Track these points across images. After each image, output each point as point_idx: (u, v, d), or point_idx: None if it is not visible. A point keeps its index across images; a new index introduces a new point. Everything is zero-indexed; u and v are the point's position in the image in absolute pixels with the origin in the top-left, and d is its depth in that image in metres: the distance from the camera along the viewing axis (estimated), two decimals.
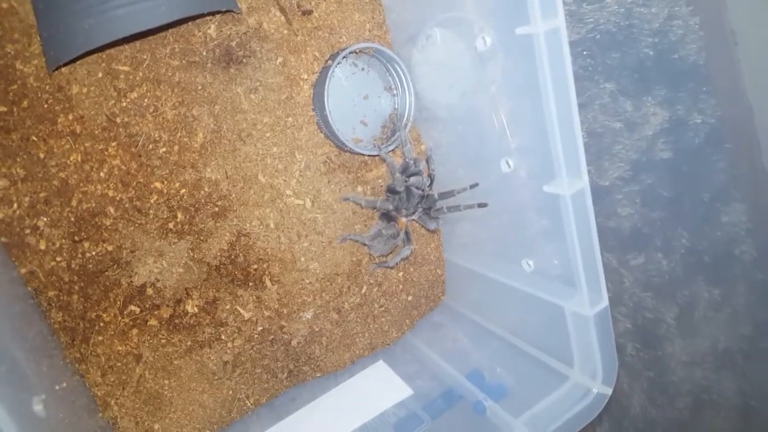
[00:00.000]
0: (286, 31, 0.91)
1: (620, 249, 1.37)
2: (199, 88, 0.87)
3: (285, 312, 0.96)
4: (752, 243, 1.47)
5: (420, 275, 1.08)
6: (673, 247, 1.41)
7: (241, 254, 0.92)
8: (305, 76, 0.93)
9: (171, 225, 0.89)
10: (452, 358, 0.97)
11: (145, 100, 0.85)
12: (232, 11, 0.86)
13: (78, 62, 0.83)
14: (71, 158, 0.84)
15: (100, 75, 0.84)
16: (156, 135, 0.86)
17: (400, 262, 1.01)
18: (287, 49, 0.91)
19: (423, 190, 0.95)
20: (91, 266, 0.86)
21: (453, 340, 1.02)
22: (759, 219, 1.46)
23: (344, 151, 0.97)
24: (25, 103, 0.82)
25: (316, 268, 0.97)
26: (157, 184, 0.87)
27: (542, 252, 0.84)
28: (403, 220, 0.97)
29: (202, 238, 0.90)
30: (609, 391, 0.79)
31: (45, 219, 0.84)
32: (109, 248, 0.87)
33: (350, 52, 0.92)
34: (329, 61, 0.92)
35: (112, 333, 0.88)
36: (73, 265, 0.86)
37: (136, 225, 0.88)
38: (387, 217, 0.96)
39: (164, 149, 0.87)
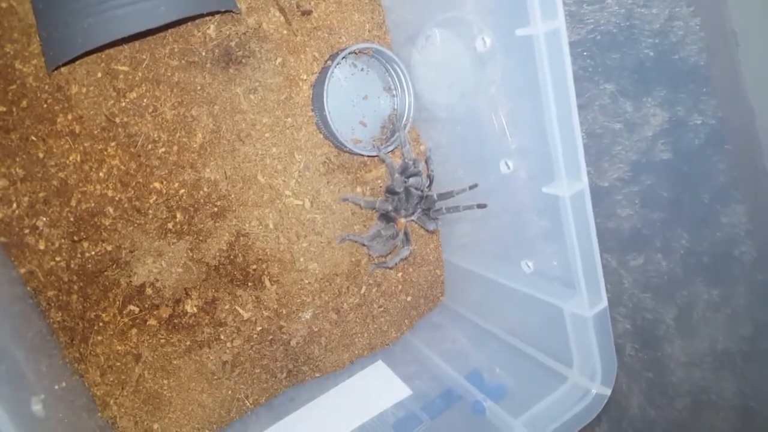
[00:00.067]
0: (285, 32, 0.91)
1: (620, 250, 1.37)
2: (199, 88, 0.87)
3: (284, 312, 0.96)
4: (752, 244, 1.46)
5: (419, 276, 1.08)
6: (673, 248, 1.41)
7: (240, 254, 0.92)
8: (304, 77, 0.92)
9: (170, 225, 0.89)
10: (451, 358, 0.97)
11: (145, 100, 0.85)
12: (231, 11, 0.86)
13: (77, 62, 0.83)
14: (70, 158, 0.84)
15: (99, 75, 0.84)
16: (155, 135, 0.86)
17: (399, 262, 1.01)
18: (286, 50, 0.91)
19: (422, 191, 0.95)
20: (90, 266, 0.86)
21: (452, 341, 1.02)
22: (759, 220, 1.46)
23: (343, 151, 0.97)
24: (24, 103, 0.82)
25: (315, 268, 0.97)
26: (156, 185, 0.87)
27: (541, 253, 0.83)
28: (402, 220, 0.97)
29: (201, 238, 0.90)
30: (608, 392, 0.79)
31: (44, 219, 0.84)
32: (109, 248, 0.87)
33: (350, 53, 0.92)
34: (328, 62, 0.92)
35: (112, 333, 0.89)
36: (72, 265, 0.86)
37: (135, 225, 0.88)
38: (386, 217, 0.96)
39: (163, 149, 0.87)
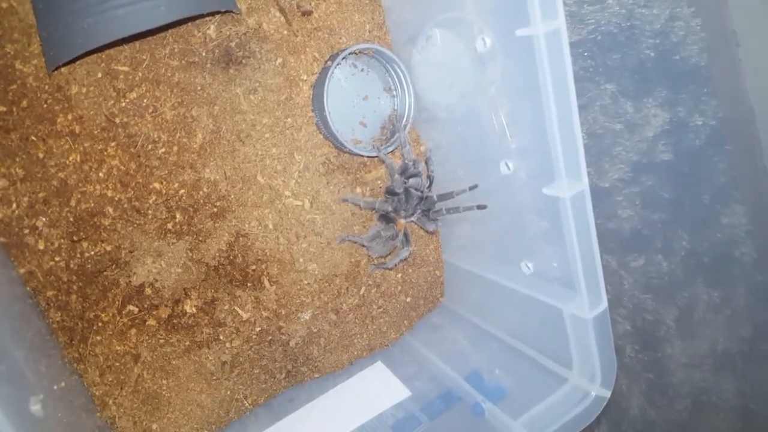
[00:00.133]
0: (285, 32, 0.91)
1: (620, 251, 1.37)
2: (199, 88, 0.87)
3: (283, 313, 0.96)
4: (752, 245, 1.46)
5: (419, 276, 1.08)
6: (673, 248, 1.41)
7: (239, 255, 0.92)
8: (305, 77, 0.92)
9: (170, 225, 0.89)
10: (451, 359, 0.97)
11: (145, 101, 0.85)
12: (231, 12, 0.86)
13: (77, 62, 0.82)
14: (70, 158, 0.84)
15: (99, 75, 0.84)
16: (155, 135, 0.86)
17: (399, 263, 1.01)
18: (287, 50, 0.91)
19: (422, 192, 0.95)
20: (89, 266, 0.86)
21: (452, 342, 1.02)
22: (759, 221, 1.45)
23: (343, 152, 0.97)
24: (24, 103, 0.82)
25: (314, 269, 0.97)
26: (156, 185, 0.87)
27: (542, 254, 0.83)
28: (402, 221, 0.96)
29: (200, 238, 0.90)
30: (608, 394, 0.79)
31: (44, 219, 0.84)
32: (108, 248, 0.87)
33: (350, 53, 0.92)
34: (329, 62, 0.92)
35: (111, 333, 0.88)
36: (71, 265, 0.86)
37: (135, 225, 0.88)
38: (386, 218, 0.96)
39: (163, 150, 0.87)
